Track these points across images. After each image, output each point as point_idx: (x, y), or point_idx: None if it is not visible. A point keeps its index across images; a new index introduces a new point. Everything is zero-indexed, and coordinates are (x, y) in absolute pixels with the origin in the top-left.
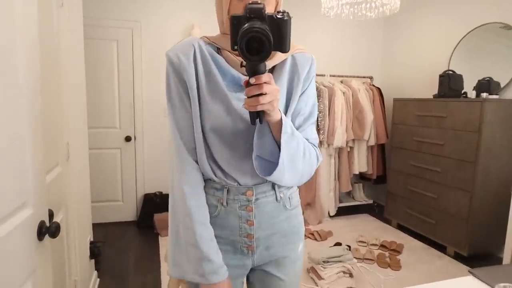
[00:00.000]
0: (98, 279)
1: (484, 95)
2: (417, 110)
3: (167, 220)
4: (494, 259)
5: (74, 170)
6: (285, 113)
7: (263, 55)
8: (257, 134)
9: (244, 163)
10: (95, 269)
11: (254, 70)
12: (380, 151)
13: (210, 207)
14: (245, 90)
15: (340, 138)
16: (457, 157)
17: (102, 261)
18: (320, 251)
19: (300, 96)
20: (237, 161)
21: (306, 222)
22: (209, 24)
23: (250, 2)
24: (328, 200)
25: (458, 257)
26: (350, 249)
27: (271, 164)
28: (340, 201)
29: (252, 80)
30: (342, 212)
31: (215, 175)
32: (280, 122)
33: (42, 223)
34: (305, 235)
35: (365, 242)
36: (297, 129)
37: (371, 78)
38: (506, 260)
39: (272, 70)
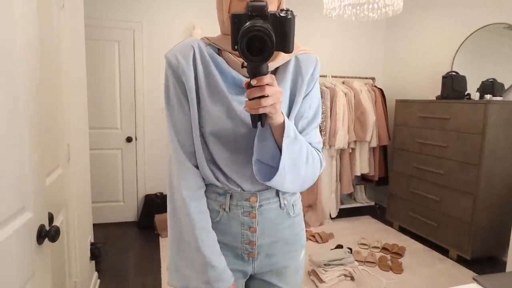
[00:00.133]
0: (99, 280)
1: (488, 96)
2: (419, 111)
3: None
4: (498, 263)
5: (75, 171)
6: (288, 116)
7: (265, 55)
8: (258, 138)
9: (245, 168)
10: (96, 270)
11: (255, 71)
12: (382, 153)
13: (212, 212)
14: (246, 92)
15: (341, 140)
16: (460, 159)
17: (103, 262)
18: (321, 253)
19: (303, 99)
20: (239, 166)
21: (307, 224)
22: (210, 25)
23: None
24: (329, 202)
25: (460, 260)
26: (351, 252)
27: (272, 169)
28: (342, 203)
29: (254, 82)
30: (343, 214)
31: (218, 180)
32: (282, 125)
33: (41, 227)
34: (306, 237)
35: (366, 245)
36: (300, 132)
37: (373, 79)
38: (510, 264)
39: (275, 72)
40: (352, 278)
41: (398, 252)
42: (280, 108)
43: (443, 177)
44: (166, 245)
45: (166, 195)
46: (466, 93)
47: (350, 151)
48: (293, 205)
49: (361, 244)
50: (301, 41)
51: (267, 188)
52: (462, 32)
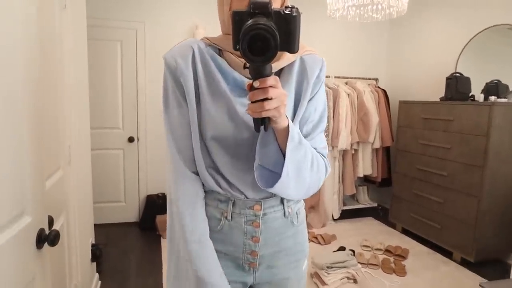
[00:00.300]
0: (100, 282)
1: (492, 98)
2: (423, 113)
3: None
4: (502, 266)
5: (76, 173)
6: (293, 119)
7: (268, 55)
8: (260, 142)
9: (248, 174)
10: (97, 271)
11: (258, 72)
12: (385, 154)
13: (212, 220)
14: (248, 94)
15: (344, 141)
16: (464, 161)
17: (104, 263)
18: (324, 256)
19: (309, 102)
20: (241, 172)
21: (309, 226)
22: (213, 25)
23: None
24: (332, 203)
25: (464, 263)
26: (354, 254)
27: (275, 175)
28: (344, 204)
29: (256, 84)
30: (346, 215)
31: (220, 187)
32: (286, 130)
33: (41, 231)
34: (308, 239)
35: (369, 247)
36: (306, 137)
37: (376, 79)
38: None
39: (279, 73)
40: (355, 281)
41: (401, 255)
42: (284, 111)
43: (446, 179)
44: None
45: None
46: (470, 94)
47: (353, 152)
48: (297, 213)
49: (364, 246)
50: (304, 41)
51: (271, 195)
52: (466, 33)
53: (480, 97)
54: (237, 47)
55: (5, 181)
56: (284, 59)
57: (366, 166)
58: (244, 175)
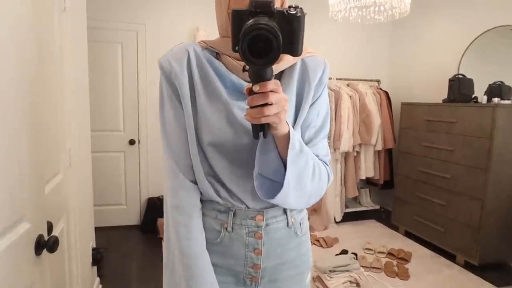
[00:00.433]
0: (101, 286)
1: (495, 100)
2: (425, 114)
3: None
4: (507, 269)
5: (76, 176)
6: (293, 125)
7: (270, 57)
8: (259, 150)
9: (247, 182)
10: (97, 276)
11: (258, 75)
12: (387, 156)
13: (211, 232)
14: (247, 99)
15: (346, 143)
16: (467, 164)
17: (105, 267)
18: (326, 259)
19: (311, 106)
20: (241, 179)
21: (311, 228)
22: (214, 27)
23: None
24: (334, 206)
25: (468, 266)
26: (356, 257)
27: (275, 184)
28: (346, 206)
29: (256, 88)
30: (348, 217)
31: (219, 196)
32: (287, 137)
33: (40, 237)
34: (310, 242)
35: (372, 250)
36: (307, 143)
37: (378, 81)
38: None
39: (279, 76)
40: (358, 285)
41: (404, 258)
42: (285, 117)
43: (449, 181)
44: None
45: None
46: (473, 96)
47: (355, 154)
48: (300, 223)
49: (366, 249)
50: (305, 43)
51: (273, 205)
52: (468, 34)
53: (483, 99)
54: (236, 48)
55: (2, 187)
56: (285, 61)
57: (368, 168)
58: (244, 182)
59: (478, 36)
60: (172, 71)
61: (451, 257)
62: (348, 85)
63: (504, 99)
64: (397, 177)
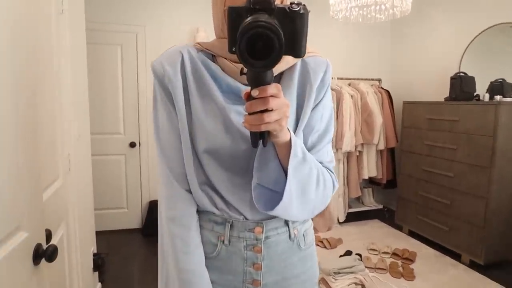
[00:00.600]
0: None
1: (498, 97)
2: (427, 113)
3: None
4: None
5: (76, 181)
6: (295, 130)
7: (272, 58)
8: (258, 159)
9: (246, 191)
10: (99, 281)
11: (257, 79)
12: (390, 155)
13: (207, 245)
14: (245, 104)
15: (348, 143)
16: (470, 162)
17: (106, 272)
18: (330, 261)
19: (313, 109)
20: (239, 188)
21: (315, 230)
22: None
23: None
24: (337, 206)
25: (473, 265)
26: (361, 258)
27: (275, 194)
28: (349, 207)
29: (255, 93)
30: (351, 218)
31: (216, 206)
32: (288, 144)
33: (38, 246)
34: (316, 243)
35: (376, 250)
36: (310, 149)
37: (379, 80)
38: None
39: (278, 78)
40: (363, 287)
41: (409, 258)
42: (286, 124)
43: (453, 180)
44: None
45: None
46: (475, 94)
47: (358, 154)
48: (304, 235)
49: (370, 249)
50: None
51: (273, 216)
52: (469, 32)
53: (485, 97)
54: (233, 49)
55: None
56: (284, 61)
57: (371, 167)
58: (242, 191)
59: (479, 34)
60: (165, 75)
61: (456, 256)
62: (349, 84)
63: (506, 97)
64: (400, 176)
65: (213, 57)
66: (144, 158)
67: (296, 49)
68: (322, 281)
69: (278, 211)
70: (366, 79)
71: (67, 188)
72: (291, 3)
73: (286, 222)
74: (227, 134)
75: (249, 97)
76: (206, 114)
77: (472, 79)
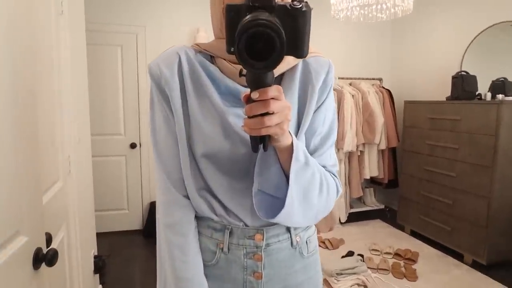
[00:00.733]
0: None
1: (500, 96)
2: (429, 112)
3: None
4: None
5: (76, 183)
6: (296, 133)
7: (272, 60)
8: (259, 164)
9: (246, 197)
10: (100, 283)
11: (257, 81)
12: (391, 155)
13: (206, 253)
14: (245, 107)
15: (350, 143)
16: (473, 162)
17: (107, 274)
18: (333, 262)
19: (315, 111)
20: (239, 194)
21: (317, 230)
22: None
23: None
24: (338, 206)
25: (476, 265)
26: (363, 259)
27: (277, 200)
28: (351, 207)
29: (255, 95)
30: (353, 218)
31: (215, 213)
32: (290, 148)
33: (38, 251)
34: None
35: (378, 251)
36: (313, 153)
37: (380, 80)
38: None
39: (279, 80)
40: (366, 287)
41: (411, 258)
42: (288, 127)
43: (455, 179)
44: None
45: None
46: (477, 93)
47: (359, 154)
48: (307, 242)
49: (372, 250)
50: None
51: (275, 222)
52: (470, 31)
53: (487, 96)
54: (232, 50)
55: None
56: (285, 62)
57: (372, 167)
58: (241, 197)
59: (480, 33)
60: (161, 77)
61: (458, 256)
62: (350, 84)
63: (508, 96)
64: (402, 176)
65: (211, 58)
66: (145, 159)
67: (298, 49)
68: (325, 282)
69: (280, 218)
70: (367, 79)
71: (68, 190)
72: (292, 0)
73: (288, 229)
74: (225, 137)
75: (248, 99)
76: (204, 117)
77: (473, 78)
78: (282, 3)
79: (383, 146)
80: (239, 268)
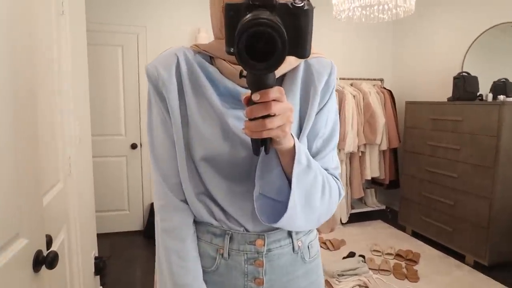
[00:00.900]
0: None
1: (501, 97)
2: (430, 113)
3: None
4: None
5: (77, 184)
6: (298, 136)
7: (273, 60)
8: (260, 167)
9: (247, 201)
10: (100, 285)
11: (258, 82)
12: (393, 155)
13: (206, 259)
14: (245, 109)
15: (351, 143)
16: (474, 162)
17: (108, 275)
18: (334, 263)
19: (317, 114)
20: (239, 198)
21: (318, 231)
22: None
23: None
24: (340, 207)
25: (478, 266)
26: (364, 260)
27: (278, 204)
28: (352, 207)
29: (256, 97)
30: (354, 219)
31: (214, 217)
32: (292, 151)
33: (38, 253)
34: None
35: (379, 251)
36: (315, 156)
37: (381, 80)
38: None
39: (280, 81)
40: None
41: (412, 259)
42: (290, 130)
43: (457, 180)
44: None
45: None
46: (478, 94)
47: (360, 154)
48: (309, 247)
49: (374, 250)
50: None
51: (276, 227)
52: (472, 31)
53: (488, 96)
54: (232, 50)
55: None
56: (286, 62)
57: (373, 168)
58: (242, 201)
59: (482, 34)
60: (159, 79)
61: (460, 257)
62: (351, 84)
63: (509, 96)
64: (403, 177)
65: (211, 59)
66: (146, 160)
67: (300, 49)
68: (326, 283)
69: (283, 222)
70: (368, 79)
71: (68, 191)
72: None
73: (290, 234)
74: (225, 140)
75: (249, 101)
76: (202, 119)
77: (475, 79)
78: (283, 1)
79: (384, 146)
80: (240, 274)
